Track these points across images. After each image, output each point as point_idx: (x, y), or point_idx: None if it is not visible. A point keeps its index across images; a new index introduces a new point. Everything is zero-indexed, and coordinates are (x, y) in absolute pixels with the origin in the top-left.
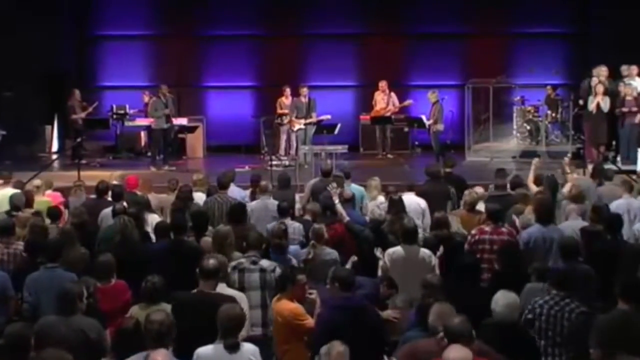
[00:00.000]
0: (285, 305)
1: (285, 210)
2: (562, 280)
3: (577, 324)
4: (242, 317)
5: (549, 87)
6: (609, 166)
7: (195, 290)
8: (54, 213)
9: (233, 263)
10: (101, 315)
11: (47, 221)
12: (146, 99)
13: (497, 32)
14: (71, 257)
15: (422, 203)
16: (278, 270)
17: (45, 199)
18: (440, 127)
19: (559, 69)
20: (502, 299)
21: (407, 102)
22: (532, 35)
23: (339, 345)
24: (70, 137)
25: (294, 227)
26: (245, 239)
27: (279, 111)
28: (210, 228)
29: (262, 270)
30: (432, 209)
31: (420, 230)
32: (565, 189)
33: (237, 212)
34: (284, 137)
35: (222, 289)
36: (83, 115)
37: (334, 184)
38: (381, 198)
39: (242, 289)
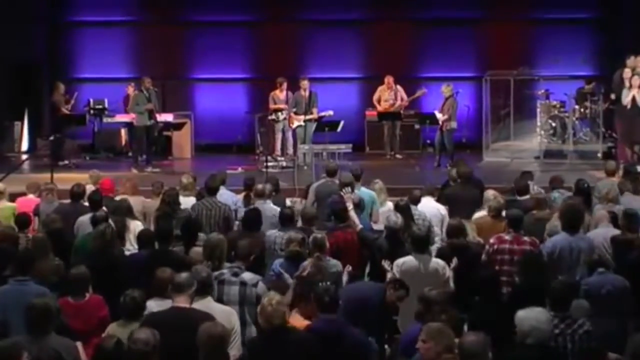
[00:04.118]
0: (295, 322)
1: (288, 218)
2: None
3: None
4: (225, 336)
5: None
6: None
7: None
8: (22, 220)
9: (216, 273)
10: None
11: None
12: (130, 90)
13: (518, 17)
14: (44, 269)
15: (442, 209)
16: (260, 285)
17: (10, 204)
18: (454, 124)
19: (588, 58)
20: (538, 315)
21: (420, 91)
22: (558, 21)
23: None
24: (42, 136)
25: None
26: (234, 247)
27: (273, 106)
28: (201, 235)
29: (243, 284)
30: (459, 215)
31: (437, 239)
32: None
33: (252, 219)
34: (279, 136)
35: (209, 302)
36: (69, 107)
37: (348, 188)
38: (390, 204)
39: (219, 302)
